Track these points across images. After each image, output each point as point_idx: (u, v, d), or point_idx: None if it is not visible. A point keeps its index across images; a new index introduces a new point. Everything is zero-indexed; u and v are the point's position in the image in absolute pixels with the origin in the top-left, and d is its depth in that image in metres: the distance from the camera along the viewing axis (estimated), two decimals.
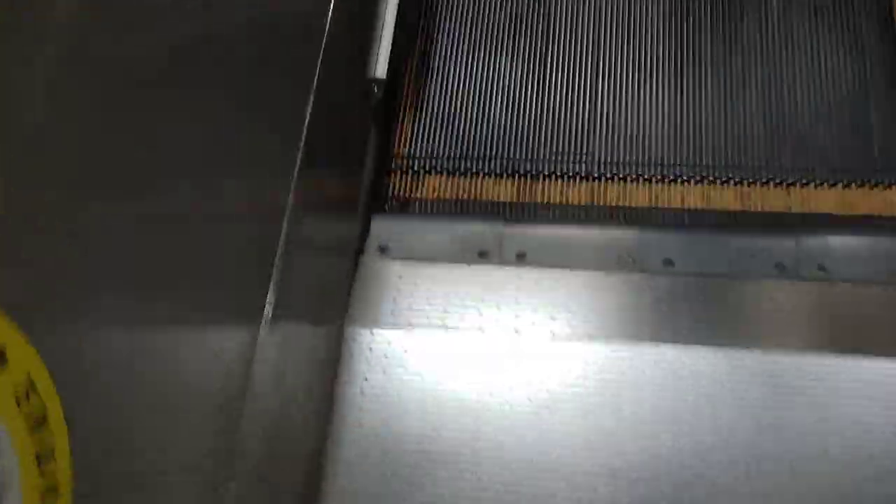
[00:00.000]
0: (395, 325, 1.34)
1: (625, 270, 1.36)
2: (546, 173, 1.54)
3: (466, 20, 1.69)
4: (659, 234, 1.41)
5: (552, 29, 1.66)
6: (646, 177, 1.52)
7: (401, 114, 1.59)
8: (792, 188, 1.48)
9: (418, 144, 1.58)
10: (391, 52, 1.42)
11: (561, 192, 1.53)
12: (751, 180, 1.49)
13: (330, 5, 1.17)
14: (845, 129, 1.50)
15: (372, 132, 1.51)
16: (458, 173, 1.56)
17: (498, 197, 1.54)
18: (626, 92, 1.59)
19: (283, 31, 1.08)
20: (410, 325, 1.34)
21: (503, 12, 1.69)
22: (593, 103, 1.59)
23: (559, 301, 1.34)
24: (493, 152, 1.56)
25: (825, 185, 1.48)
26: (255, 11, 0.97)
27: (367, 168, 1.49)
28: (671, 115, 1.55)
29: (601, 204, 1.51)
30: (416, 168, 1.57)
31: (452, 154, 1.57)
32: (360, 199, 1.46)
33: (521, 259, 1.41)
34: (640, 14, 1.65)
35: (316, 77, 1.12)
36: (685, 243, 1.38)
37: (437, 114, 1.61)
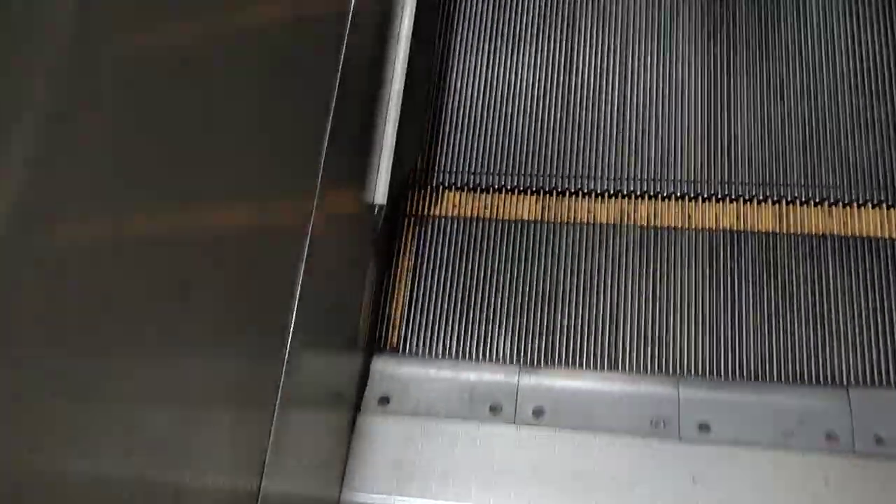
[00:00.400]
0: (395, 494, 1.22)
1: (657, 437, 1.24)
2: (573, 190, 1.46)
3: (487, 27, 1.60)
4: (694, 389, 1.30)
5: (577, 38, 1.58)
6: (678, 194, 1.44)
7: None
8: (834, 208, 1.40)
9: (436, 159, 1.51)
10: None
11: (588, 211, 1.45)
12: (789, 199, 1.41)
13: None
14: (891, 143, 1.42)
15: (371, 265, 1.38)
16: (478, 189, 1.48)
17: (520, 215, 1.46)
18: (657, 103, 1.50)
19: None
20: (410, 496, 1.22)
21: (525, 21, 1.60)
22: (622, 115, 1.50)
23: (582, 476, 1.21)
24: (516, 168, 1.48)
25: (868, 204, 1.39)
26: None
27: (365, 306, 1.36)
28: (704, 129, 1.47)
29: (631, 223, 1.43)
30: (434, 184, 1.49)
31: (473, 169, 1.49)
32: (359, 341, 1.35)
33: (538, 416, 1.28)
34: (671, 20, 1.56)
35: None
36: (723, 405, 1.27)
37: (457, 127, 1.53)
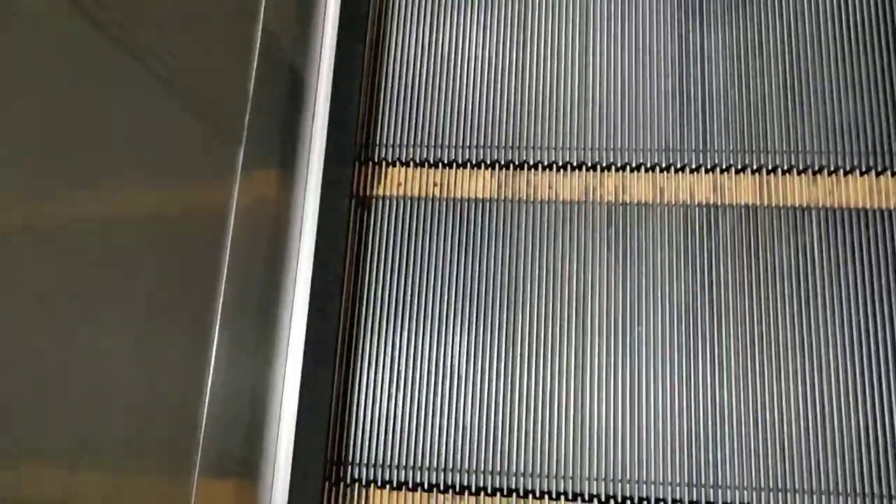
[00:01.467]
0: None
1: None
2: (532, 163, 1.30)
3: None
4: None
5: None
6: (648, 166, 1.29)
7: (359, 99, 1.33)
8: (818, 176, 1.26)
9: (377, 132, 1.33)
10: None
11: (549, 185, 1.30)
12: (770, 167, 1.27)
13: None
14: (881, 102, 1.28)
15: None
16: (426, 165, 1.32)
17: (474, 193, 1.30)
18: (622, 63, 1.34)
19: None
20: None
21: None
22: (584, 78, 1.34)
23: None
24: (468, 140, 1.31)
25: (856, 171, 1.26)
26: None
27: None
28: (674, 90, 1.31)
29: (597, 198, 1.28)
30: (376, 159, 1.32)
31: (419, 142, 1.32)
32: None
33: None
34: None
35: None
36: None
37: (400, 95, 1.35)
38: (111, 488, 0.75)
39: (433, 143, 1.32)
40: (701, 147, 1.26)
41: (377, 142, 1.32)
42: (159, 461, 0.87)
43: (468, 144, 1.31)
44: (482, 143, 1.31)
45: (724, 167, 1.27)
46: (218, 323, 0.96)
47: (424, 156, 1.32)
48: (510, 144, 1.30)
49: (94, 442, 0.72)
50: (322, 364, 1.18)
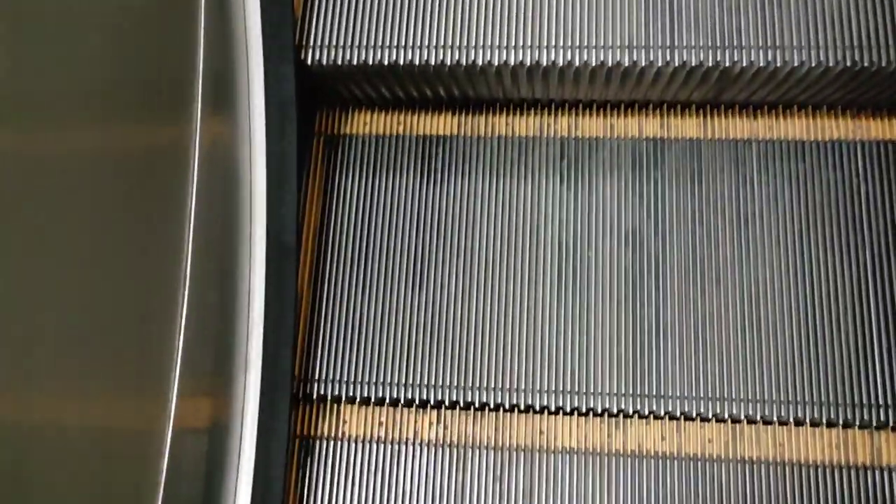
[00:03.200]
0: None
1: None
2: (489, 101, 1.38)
3: None
4: None
5: None
6: (599, 102, 1.37)
7: None
8: (759, 111, 1.34)
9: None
10: None
11: (507, 124, 1.38)
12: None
13: None
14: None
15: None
16: (391, 106, 1.40)
17: (436, 131, 1.38)
18: None
19: None
20: None
21: None
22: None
23: None
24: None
25: (794, 107, 1.34)
26: None
27: None
28: None
29: (550, 135, 1.36)
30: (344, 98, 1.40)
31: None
32: None
33: None
34: None
35: None
36: None
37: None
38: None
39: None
40: (668, 44, 1.22)
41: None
42: (138, 382, 0.91)
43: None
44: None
45: (671, 101, 1.35)
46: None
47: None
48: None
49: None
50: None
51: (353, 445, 1.26)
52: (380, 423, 1.27)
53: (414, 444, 1.26)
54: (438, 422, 1.27)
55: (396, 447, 1.26)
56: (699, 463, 1.21)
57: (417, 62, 1.20)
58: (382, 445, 1.26)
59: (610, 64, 1.19)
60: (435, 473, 1.24)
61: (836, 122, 1.33)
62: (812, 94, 1.28)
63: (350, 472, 1.25)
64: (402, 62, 1.20)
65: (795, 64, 1.19)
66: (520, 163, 1.35)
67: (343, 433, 1.27)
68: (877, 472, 1.19)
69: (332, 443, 1.27)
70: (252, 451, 1.14)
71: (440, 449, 1.25)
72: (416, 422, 1.27)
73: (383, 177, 1.36)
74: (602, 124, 1.36)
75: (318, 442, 1.27)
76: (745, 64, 1.19)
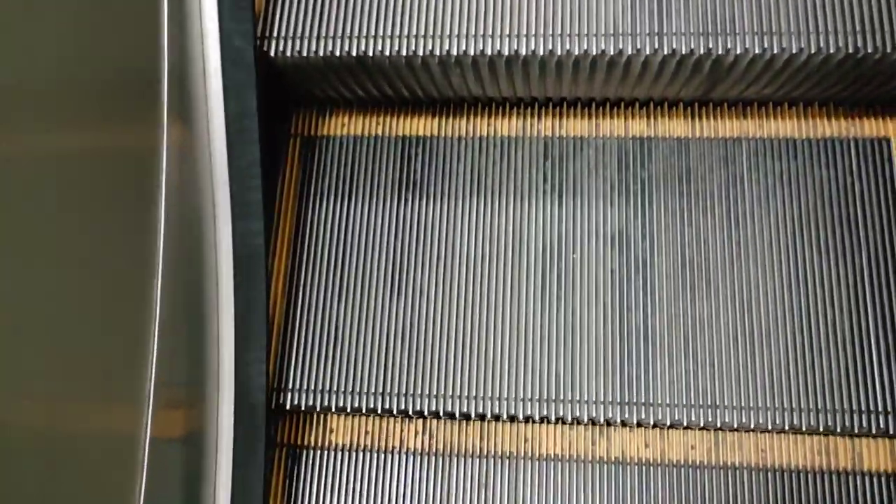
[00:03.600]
0: None
1: None
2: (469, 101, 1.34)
3: None
4: None
5: None
6: (584, 101, 1.32)
7: None
8: (749, 108, 1.30)
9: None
10: None
11: (489, 124, 1.34)
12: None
13: None
14: None
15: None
16: (369, 107, 1.35)
17: (415, 131, 1.34)
18: None
19: None
20: None
21: None
22: None
23: None
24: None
25: (785, 104, 1.29)
26: None
27: None
28: None
29: (534, 135, 1.32)
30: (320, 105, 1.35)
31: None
32: None
33: None
34: None
35: None
36: None
37: None
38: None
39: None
40: (656, 30, 1.13)
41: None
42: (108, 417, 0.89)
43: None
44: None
45: (656, 101, 1.31)
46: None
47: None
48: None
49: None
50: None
51: (339, 454, 1.25)
52: (366, 432, 1.25)
53: (400, 452, 1.24)
54: (424, 431, 1.24)
55: (383, 456, 1.24)
56: (683, 469, 1.19)
57: (388, 52, 1.13)
58: (369, 454, 1.24)
59: (594, 52, 1.12)
60: (421, 481, 1.22)
61: (829, 119, 1.28)
62: (809, 87, 1.22)
63: (337, 481, 1.23)
64: (371, 53, 1.14)
65: (794, 51, 1.11)
66: (502, 164, 1.30)
67: (330, 442, 1.25)
68: (858, 477, 1.17)
69: (318, 452, 1.25)
70: (229, 462, 1.12)
71: (426, 457, 1.23)
72: (402, 431, 1.25)
73: (361, 179, 1.32)
74: (587, 123, 1.32)
75: (304, 451, 1.25)
76: (739, 51, 1.11)
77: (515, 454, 1.22)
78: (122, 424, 0.91)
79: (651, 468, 1.19)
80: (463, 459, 1.22)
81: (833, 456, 1.18)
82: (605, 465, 1.20)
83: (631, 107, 1.32)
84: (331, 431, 1.26)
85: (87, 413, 0.87)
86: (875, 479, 1.16)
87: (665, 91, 1.25)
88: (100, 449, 0.88)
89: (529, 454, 1.22)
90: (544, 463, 1.21)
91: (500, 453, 1.22)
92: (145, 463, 0.90)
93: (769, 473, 1.18)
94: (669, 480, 1.18)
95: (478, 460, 1.22)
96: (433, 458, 1.23)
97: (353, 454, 1.24)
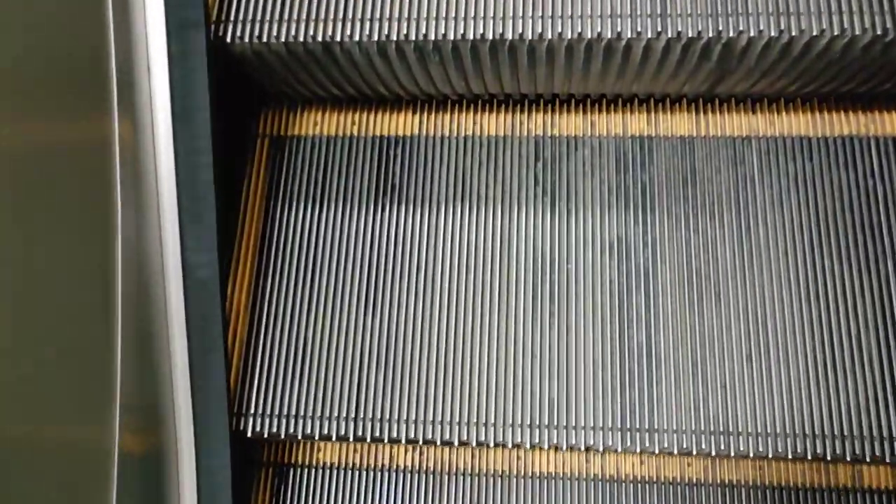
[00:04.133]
0: None
1: None
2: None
3: None
4: None
5: None
6: (578, 98, 1.21)
7: None
8: (759, 105, 1.18)
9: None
10: None
11: (474, 122, 1.22)
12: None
13: None
14: None
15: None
16: (343, 102, 1.24)
17: (393, 131, 1.22)
18: None
19: None
20: None
21: None
22: None
23: None
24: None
25: (798, 100, 1.18)
26: None
27: None
28: None
29: (523, 134, 1.20)
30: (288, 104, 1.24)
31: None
32: None
33: None
34: None
35: None
36: None
37: None
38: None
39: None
40: (659, 11, 1.00)
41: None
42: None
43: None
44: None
45: (658, 97, 1.19)
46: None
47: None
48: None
49: None
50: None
51: (327, 473, 1.19)
52: (355, 450, 1.19)
53: (390, 470, 1.18)
54: (415, 448, 1.18)
55: (372, 474, 1.18)
56: (678, 487, 1.13)
57: (357, 37, 1.01)
58: (358, 473, 1.18)
59: (589, 36, 0.99)
60: (412, 500, 1.16)
61: (847, 116, 1.17)
62: (828, 78, 1.09)
63: (325, 501, 1.17)
64: (339, 38, 1.01)
65: (815, 33, 0.97)
66: (489, 166, 1.19)
67: (317, 460, 1.19)
68: (858, 495, 1.10)
69: (305, 470, 1.19)
70: (193, 483, 1.04)
71: (417, 476, 1.17)
72: (391, 448, 1.18)
73: (335, 182, 1.20)
74: (582, 121, 1.21)
75: (291, 469, 1.19)
76: (752, 34, 0.97)
77: (508, 472, 1.16)
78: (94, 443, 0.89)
79: (647, 486, 1.13)
80: (455, 478, 1.17)
81: (833, 474, 1.12)
82: (600, 483, 1.14)
83: (630, 103, 1.21)
84: (318, 450, 1.20)
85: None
86: (876, 497, 1.10)
87: (668, 84, 1.13)
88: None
89: (523, 473, 1.16)
90: (538, 481, 1.15)
91: (492, 472, 1.16)
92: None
93: (768, 491, 1.11)
94: (666, 499, 1.13)
95: (470, 478, 1.16)
96: (424, 477, 1.17)
97: (342, 473, 1.19)
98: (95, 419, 0.89)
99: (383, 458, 1.18)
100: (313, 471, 1.19)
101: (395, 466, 1.18)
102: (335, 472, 1.19)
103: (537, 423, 1.06)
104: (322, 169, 1.21)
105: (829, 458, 1.01)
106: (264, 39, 1.02)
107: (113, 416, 0.89)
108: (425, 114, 1.23)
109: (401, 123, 1.23)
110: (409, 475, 1.17)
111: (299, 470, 1.19)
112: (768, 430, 1.03)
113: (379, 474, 1.18)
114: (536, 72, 1.09)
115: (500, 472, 1.16)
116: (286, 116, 1.25)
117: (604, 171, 1.17)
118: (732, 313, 1.08)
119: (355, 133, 1.23)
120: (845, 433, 1.02)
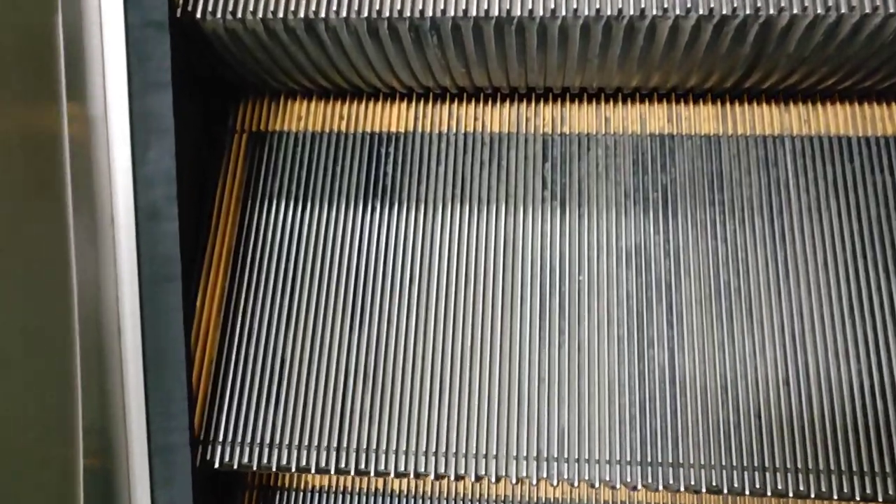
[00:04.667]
0: None
1: None
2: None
3: None
4: None
5: None
6: (592, 90, 1.09)
7: None
8: (791, 101, 1.07)
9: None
10: None
11: (475, 117, 1.10)
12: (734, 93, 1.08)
13: None
14: None
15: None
16: (331, 94, 1.12)
17: (386, 127, 1.10)
18: None
19: None
20: None
21: None
22: None
23: None
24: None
25: (835, 95, 1.07)
26: None
27: None
28: None
29: (530, 131, 1.09)
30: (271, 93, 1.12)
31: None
32: None
33: None
34: None
35: None
36: None
37: None
38: None
39: None
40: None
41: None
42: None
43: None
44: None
45: (681, 91, 1.08)
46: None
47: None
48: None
49: None
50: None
51: (315, 497, 1.12)
52: None
53: (384, 496, 1.11)
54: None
55: (364, 499, 1.11)
56: None
57: (344, 13, 0.88)
58: (349, 497, 1.12)
59: (609, 13, 0.86)
60: None
61: (892, 112, 1.06)
62: (874, 67, 0.96)
63: None
64: (323, 13, 0.88)
65: (867, 10, 0.85)
66: (492, 166, 1.08)
67: (305, 483, 1.13)
68: None
69: (293, 494, 1.13)
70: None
71: (410, 500, 1.10)
72: None
73: (320, 182, 1.09)
74: (595, 116, 1.09)
75: (277, 493, 1.12)
76: (796, 10, 0.85)
77: (511, 498, 1.09)
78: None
79: None
80: (452, 502, 1.10)
81: None
82: None
83: (649, 97, 1.09)
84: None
85: None
86: None
87: (694, 75, 1.01)
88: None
89: (526, 499, 1.09)
90: None
91: (493, 497, 1.09)
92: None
93: None
94: None
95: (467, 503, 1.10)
96: (417, 502, 1.10)
97: (331, 497, 1.12)
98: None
99: (376, 483, 1.11)
100: (301, 494, 1.12)
101: (388, 492, 1.10)
102: (324, 496, 1.12)
103: (545, 454, 0.94)
104: (306, 167, 1.10)
105: (880, 499, 0.88)
106: (238, 15, 0.89)
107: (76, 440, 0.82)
108: (421, 108, 1.12)
109: (394, 118, 1.12)
110: (403, 499, 1.10)
111: (286, 494, 1.12)
112: (809, 466, 0.91)
113: (371, 499, 1.11)
114: (547, 57, 0.96)
115: (501, 499, 1.09)
116: (267, 109, 1.13)
117: (619, 173, 1.06)
118: (766, 332, 0.96)
119: (343, 129, 1.12)
120: (870, 469, 0.90)
